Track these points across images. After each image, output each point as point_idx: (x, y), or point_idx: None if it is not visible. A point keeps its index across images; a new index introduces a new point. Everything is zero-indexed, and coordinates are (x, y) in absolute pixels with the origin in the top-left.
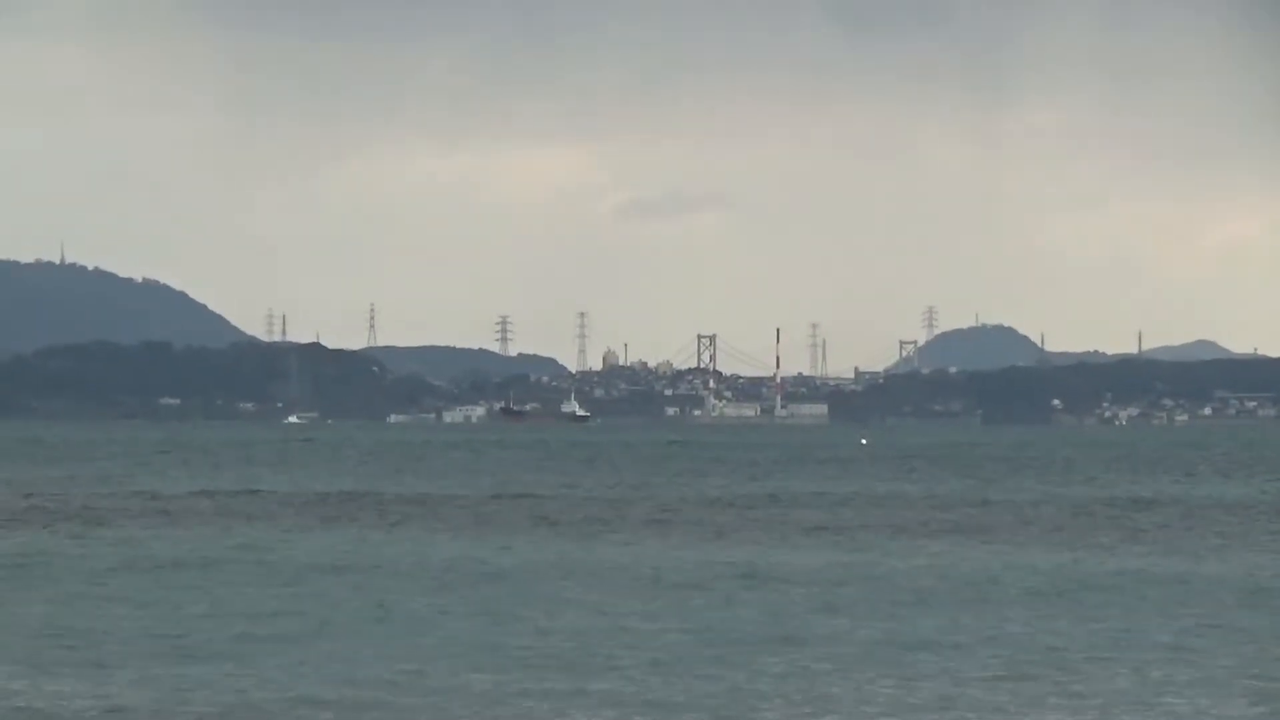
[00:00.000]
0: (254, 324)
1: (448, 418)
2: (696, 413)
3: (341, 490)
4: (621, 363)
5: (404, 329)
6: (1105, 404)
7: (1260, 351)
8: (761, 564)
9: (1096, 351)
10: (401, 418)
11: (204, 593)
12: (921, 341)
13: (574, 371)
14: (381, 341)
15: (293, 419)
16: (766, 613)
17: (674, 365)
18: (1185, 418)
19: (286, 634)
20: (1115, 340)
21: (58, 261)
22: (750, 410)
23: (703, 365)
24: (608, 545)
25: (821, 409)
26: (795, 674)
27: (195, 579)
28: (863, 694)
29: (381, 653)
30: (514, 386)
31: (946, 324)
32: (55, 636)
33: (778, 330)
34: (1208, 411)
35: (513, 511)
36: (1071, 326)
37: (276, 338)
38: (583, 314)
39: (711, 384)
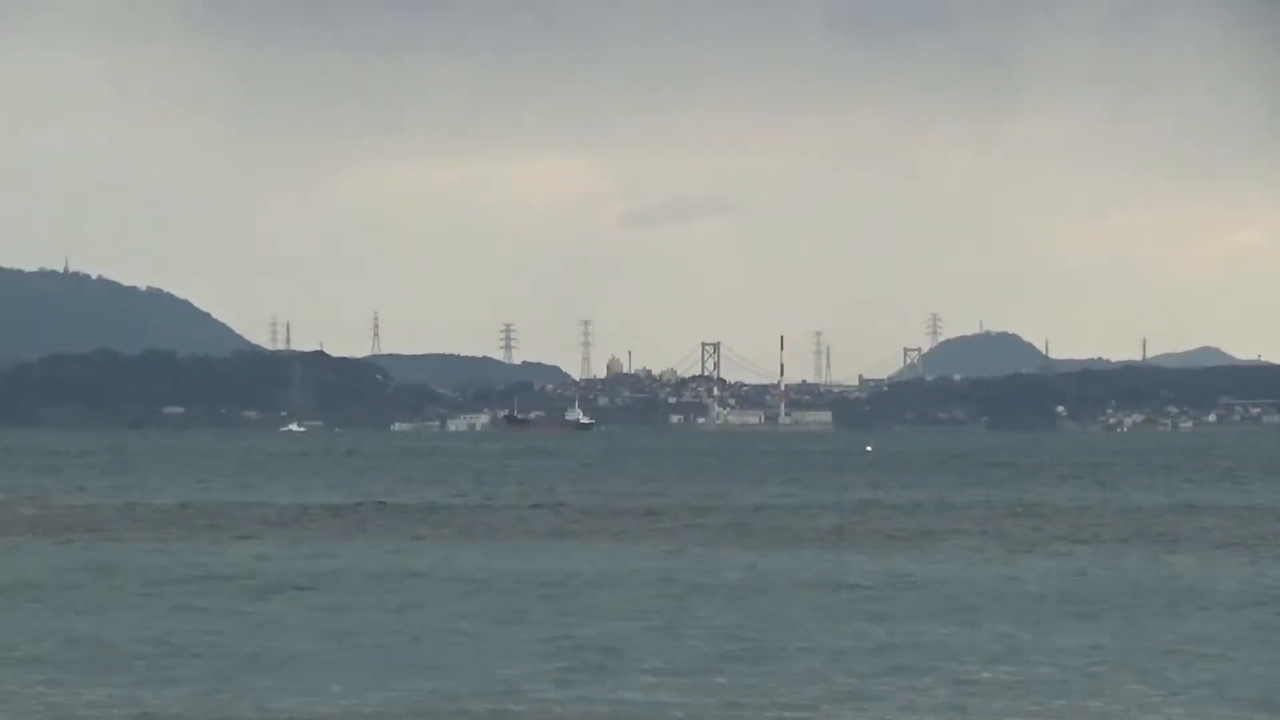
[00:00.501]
0: (258, 332)
1: (452, 426)
2: (700, 420)
3: (350, 501)
4: (625, 370)
5: (408, 337)
6: (1110, 411)
7: (1264, 358)
8: (769, 569)
9: (1101, 358)
10: (405, 426)
11: (229, 603)
12: (926, 349)
13: (578, 379)
14: (385, 350)
15: (293, 427)
16: (774, 617)
17: (678, 373)
18: (1190, 424)
19: (308, 646)
20: (1119, 347)
21: (62, 270)
22: (754, 418)
23: (707, 373)
24: (623, 550)
25: (826, 416)
26: (804, 678)
27: (216, 589)
28: (871, 698)
29: (404, 661)
30: (518, 395)
31: (951, 331)
32: (80, 645)
33: (781, 338)
34: (1212, 418)
35: (526, 518)
36: (1076, 333)
37: (280, 346)
38: (587, 322)
39: (715, 391)
